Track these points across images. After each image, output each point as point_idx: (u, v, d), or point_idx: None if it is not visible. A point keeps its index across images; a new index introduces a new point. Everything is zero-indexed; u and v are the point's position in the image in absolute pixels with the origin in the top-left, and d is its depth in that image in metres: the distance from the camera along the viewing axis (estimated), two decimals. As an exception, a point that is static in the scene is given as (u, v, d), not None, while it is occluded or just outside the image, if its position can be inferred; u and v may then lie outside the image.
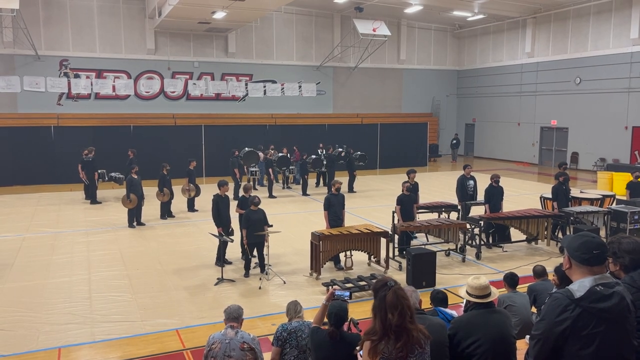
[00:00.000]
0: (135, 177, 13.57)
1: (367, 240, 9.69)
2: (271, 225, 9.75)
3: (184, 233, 13.14)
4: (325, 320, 4.55)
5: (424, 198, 13.68)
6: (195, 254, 11.17)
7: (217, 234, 10.01)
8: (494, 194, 11.93)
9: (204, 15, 21.78)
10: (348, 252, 9.89)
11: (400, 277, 9.06)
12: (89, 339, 7.12)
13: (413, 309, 3.29)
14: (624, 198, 14.27)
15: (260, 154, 19.85)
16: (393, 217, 11.40)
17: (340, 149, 20.59)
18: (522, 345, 4.48)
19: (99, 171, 16.94)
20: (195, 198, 15.60)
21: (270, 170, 18.75)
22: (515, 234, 11.80)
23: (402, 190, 11.11)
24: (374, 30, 25.81)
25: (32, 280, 9.50)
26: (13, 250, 11.43)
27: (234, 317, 4.77)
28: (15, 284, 9.28)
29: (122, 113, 24.84)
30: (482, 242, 11.13)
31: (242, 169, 18.23)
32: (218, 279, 9.34)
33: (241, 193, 11.03)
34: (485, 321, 3.96)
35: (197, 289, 9.11)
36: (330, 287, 8.37)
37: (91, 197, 16.86)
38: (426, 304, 5.75)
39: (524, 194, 17.68)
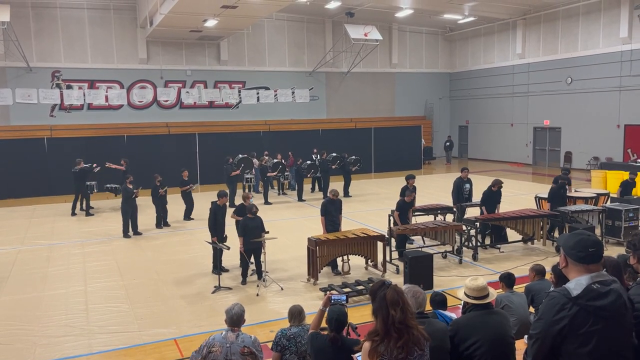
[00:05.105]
0: (130, 186, 13.53)
1: (364, 244, 9.70)
2: (267, 232, 9.74)
3: (180, 242, 13.10)
4: (324, 325, 4.54)
5: (419, 201, 13.70)
6: (191, 263, 11.13)
7: (212, 242, 9.98)
8: (491, 199, 11.93)
9: (196, 24, 21.81)
10: (345, 257, 9.90)
11: (398, 281, 9.05)
12: (87, 351, 7.08)
13: (412, 308, 3.29)
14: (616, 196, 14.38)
15: (255, 161, 19.85)
16: (389, 220, 11.42)
17: (335, 154, 20.58)
18: (520, 345, 4.48)
19: (89, 183, 16.77)
20: (193, 207, 15.55)
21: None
22: (512, 234, 11.83)
23: (405, 198, 11.09)
24: (365, 35, 25.89)
25: (28, 293, 9.44)
26: (8, 263, 11.36)
27: (235, 322, 4.72)
28: (10, 297, 9.22)
29: (115, 123, 24.80)
30: (479, 244, 11.15)
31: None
32: (215, 286, 9.31)
33: (238, 201, 11.01)
34: (483, 322, 3.96)
35: (194, 297, 9.07)
36: (327, 292, 8.35)
37: (85, 208, 16.76)
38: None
39: (519, 194, 17.73)
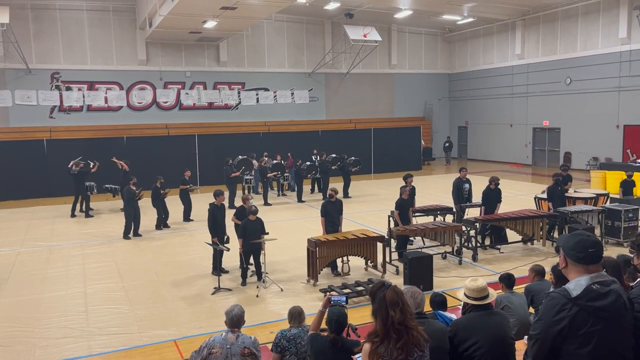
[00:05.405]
0: (134, 188, 13.53)
1: (364, 245, 9.69)
2: (267, 233, 9.74)
3: (179, 243, 13.09)
4: (324, 326, 4.54)
5: (419, 201, 13.69)
6: (191, 264, 11.12)
7: (212, 243, 9.98)
8: (491, 197, 11.96)
9: (195, 25, 21.82)
10: (345, 258, 9.89)
11: (398, 281, 9.06)
12: (86, 353, 7.07)
13: (412, 308, 3.29)
14: (617, 196, 14.38)
15: (254, 162, 19.84)
16: (389, 221, 11.41)
17: (334, 155, 20.58)
18: (520, 346, 4.48)
19: (89, 184, 16.77)
20: (192, 207, 15.53)
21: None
22: (512, 235, 11.82)
23: (402, 195, 11.12)
24: (364, 36, 25.92)
25: (27, 294, 9.43)
26: (8, 265, 11.35)
27: (235, 323, 4.71)
28: (10, 299, 9.21)
29: (115, 124, 24.80)
30: (478, 244, 11.15)
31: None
32: (215, 288, 9.31)
33: (238, 202, 10.99)
34: (483, 323, 3.95)
35: (194, 299, 9.07)
36: (327, 293, 8.35)
37: (85, 209, 16.75)
38: (424, 307, 5.74)
39: (518, 195, 17.73)
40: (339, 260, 10.00)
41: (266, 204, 17.86)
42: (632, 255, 4.34)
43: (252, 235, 9.38)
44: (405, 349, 3.17)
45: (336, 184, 18.16)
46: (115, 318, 8.24)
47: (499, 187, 12.09)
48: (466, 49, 32.12)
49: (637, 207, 11.90)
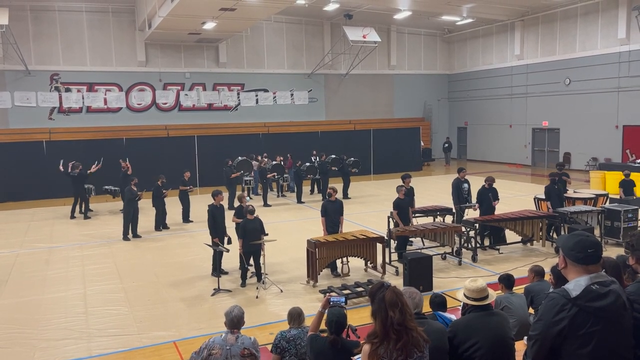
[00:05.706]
0: (135, 189, 13.52)
1: (363, 246, 9.69)
2: (267, 234, 9.73)
3: (179, 244, 13.09)
4: (323, 327, 4.54)
5: (418, 202, 13.70)
6: (191, 265, 11.12)
7: (212, 244, 9.98)
8: (486, 196, 11.99)
9: (194, 26, 21.83)
10: (344, 259, 9.89)
11: (398, 282, 9.06)
12: (86, 354, 7.07)
13: (411, 309, 3.29)
14: (617, 196, 14.38)
15: (254, 163, 19.85)
16: (388, 222, 11.41)
17: (334, 156, 20.58)
18: (520, 347, 4.48)
19: (87, 186, 16.77)
20: (190, 208, 15.53)
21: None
22: (511, 235, 11.83)
23: (399, 195, 11.13)
24: (364, 36, 25.92)
25: (27, 296, 9.42)
26: (7, 266, 11.34)
27: (234, 324, 4.71)
28: (10, 300, 9.20)
29: (114, 126, 24.79)
30: (478, 245, 11.15)
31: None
32: (215, 289, 9.31)
33: (237, 203, 11.01)
34: (483, 324, 3.95)
35: (193, 300, 9.06)
36: (326, 294, 8.34)
37: (84, 211, 16.74)
38: (424, 308, 5.74)
39: (518, 196, 17.74)
40: (338, 261, 10.00)
41: (266, 205, 17.86)
42: (628, 255, 4.35)
43: (252, 234, 9.38)
44: (405, 350, 3.16)
45: (336, 185, 18.20)
46: (115, 319, 8.23)
47: (493, 186, 12.13)
48: (465, 49, 32.14)
49: (636, 207, 11.91)
